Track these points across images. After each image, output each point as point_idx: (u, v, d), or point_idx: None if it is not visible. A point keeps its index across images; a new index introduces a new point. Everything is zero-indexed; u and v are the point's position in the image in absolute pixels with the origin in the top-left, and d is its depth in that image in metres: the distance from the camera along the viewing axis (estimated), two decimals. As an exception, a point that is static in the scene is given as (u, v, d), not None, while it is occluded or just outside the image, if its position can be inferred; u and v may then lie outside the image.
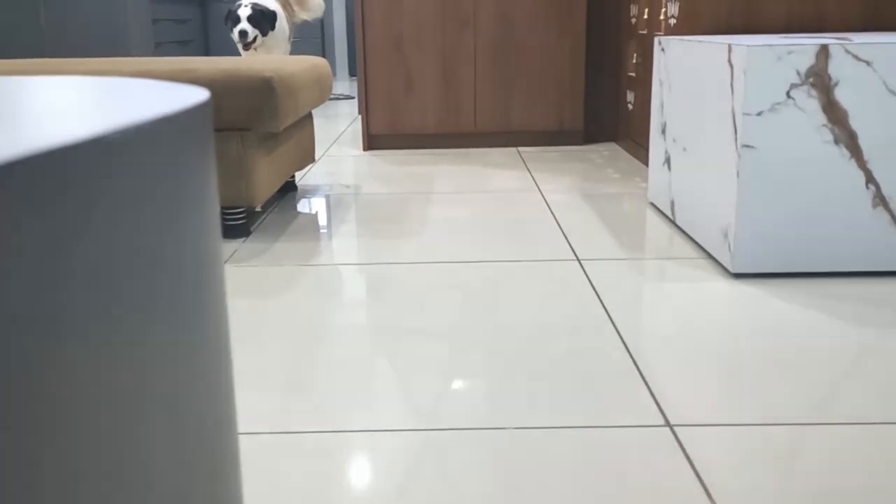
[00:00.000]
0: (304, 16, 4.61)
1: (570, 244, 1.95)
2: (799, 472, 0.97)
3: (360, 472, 0.99)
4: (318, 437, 1.07)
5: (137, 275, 0.40)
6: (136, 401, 0.41)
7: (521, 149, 3.39)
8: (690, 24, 2.32)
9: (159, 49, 5.63)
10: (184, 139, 0.43)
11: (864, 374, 1.23)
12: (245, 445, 1.06)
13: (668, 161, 2.13)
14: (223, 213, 2.07)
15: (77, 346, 0.36)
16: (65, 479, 0.36)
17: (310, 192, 2.63)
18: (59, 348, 0.35)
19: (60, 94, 0.51)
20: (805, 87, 1.59)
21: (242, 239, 2.06)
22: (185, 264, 0.45)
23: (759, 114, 1.60)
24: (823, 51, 1.57)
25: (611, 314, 1.49)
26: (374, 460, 1.02)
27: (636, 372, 1.25)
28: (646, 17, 2.88)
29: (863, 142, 1.61)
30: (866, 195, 1.63)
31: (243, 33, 4.18)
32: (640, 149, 3.01)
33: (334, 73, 7.72)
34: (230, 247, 1.99)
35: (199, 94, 0.47)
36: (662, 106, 2.18)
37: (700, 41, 1.86)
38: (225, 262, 1.87)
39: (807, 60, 1.58)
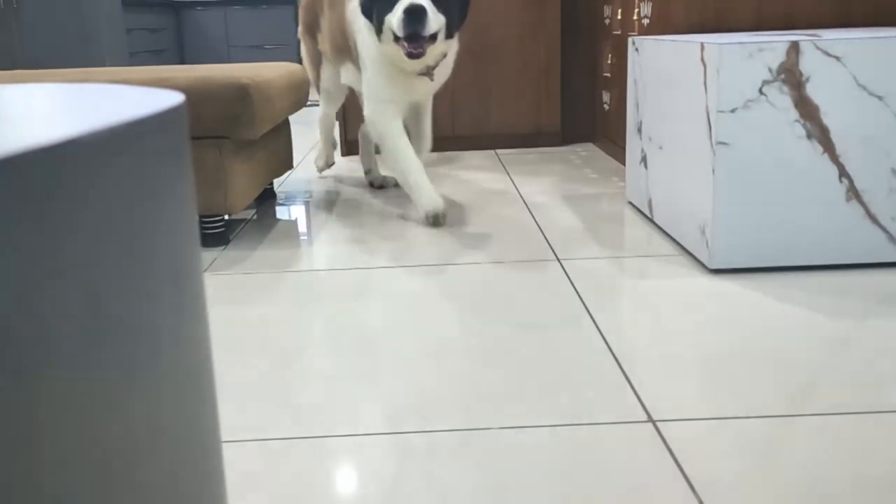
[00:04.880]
0: None
1: (550, 244, 1.96)
2: (781, 464, 0.98)
3: (344, 478, 0.99)
4: (301, 443, 1.07)
5: (114, 282, 0.40)
6: (117, 410, 0.40)
7: (499, 151, 3.40)
8: (663, 24, 2.34)
9: (134, 59, 5.59)
10: (159, 142, 0.43)
11: (842, 365, 1.24)
12: (228, 453, 1.05)
13: (644, 160, 2.15)
14: (202, 222, 2.06)
15: (55, 355, 0.36)
16: (46, 487, 0.35)
17: (289, 198, 2.62)
18: (35, 358, 0.34)
19: (33, 101, 0.51)
20: (777, 84, 1.61)
21: (221, 247, 2.05)
22: (164, 271, 0.45)
23: (732, 111, 1.62)
24: (794, 47, 1.59)
25: (592, 312, 1.50)
26: (359, 465, 1.02)
27: (618, 369, 1.26)
28: (619, 17, 2.90)
29: (835, 136, 1.63)
30: (840, 189, 1.65)
31: (416, 13, 2.00)
32: (617, 148, 3.03)
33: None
34: (209, 255, 1.98)
35: (174, 98, 0.47)
36: (638, 105, 2.20)
37: (673, 40, 1.88)
38: (204, 270, 1.86)
39: (778, 57, 1.59)
